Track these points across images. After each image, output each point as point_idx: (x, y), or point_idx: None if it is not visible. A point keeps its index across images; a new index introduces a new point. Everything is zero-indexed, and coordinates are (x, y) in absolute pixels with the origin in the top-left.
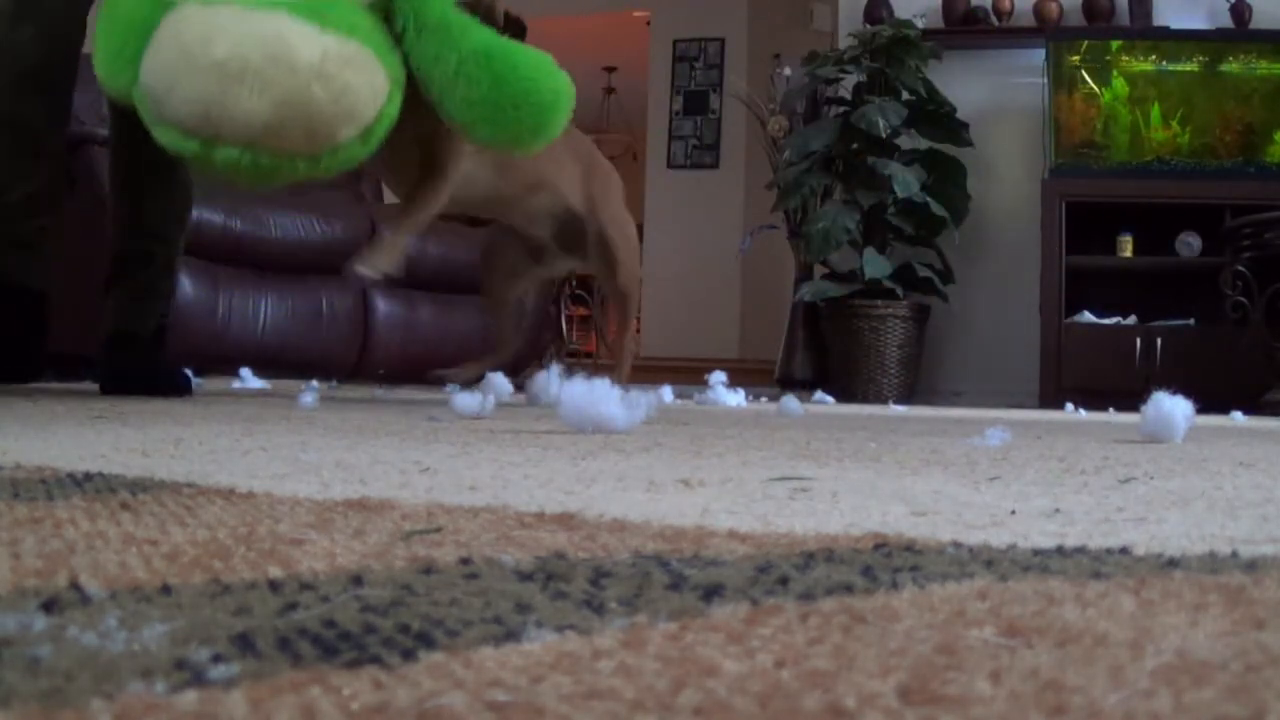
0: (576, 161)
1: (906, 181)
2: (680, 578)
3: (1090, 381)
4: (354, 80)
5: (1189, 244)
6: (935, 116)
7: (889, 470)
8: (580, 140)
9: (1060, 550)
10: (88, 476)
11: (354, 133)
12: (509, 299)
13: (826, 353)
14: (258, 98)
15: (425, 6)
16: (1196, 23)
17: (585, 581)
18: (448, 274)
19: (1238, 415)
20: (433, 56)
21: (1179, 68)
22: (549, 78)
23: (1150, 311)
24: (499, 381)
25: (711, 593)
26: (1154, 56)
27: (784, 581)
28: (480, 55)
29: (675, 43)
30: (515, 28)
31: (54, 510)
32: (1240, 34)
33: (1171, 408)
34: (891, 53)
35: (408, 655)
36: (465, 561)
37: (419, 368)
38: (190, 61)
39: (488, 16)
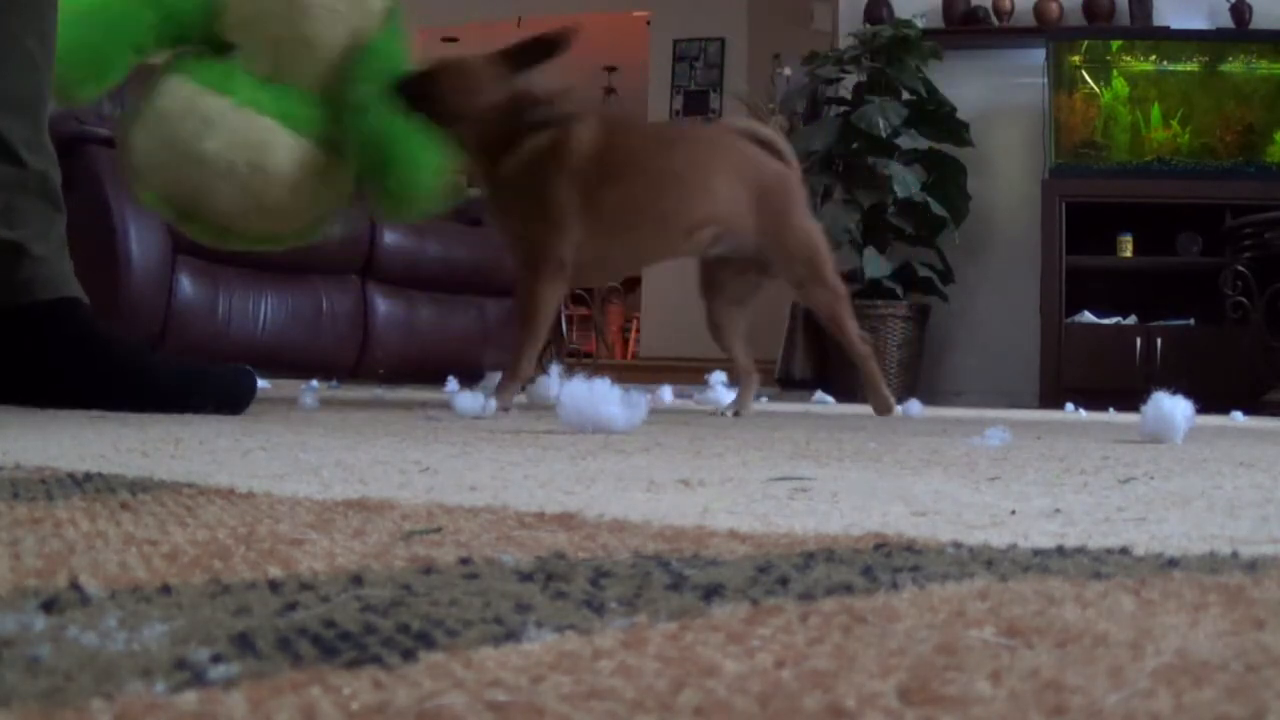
0: (744, 187)
1: (906, 181)
2: (680, 578)
3: (1090, 381)
4: (320, 187)
5: (1189, 244)
6: (935, 116)
7: (889, 470)
8: (748, 163)
9: (1060, 550)
10: (88, 476)
11: (316, 221)
12: (735, 323)
13: (826, 353)
14: (235, 195)
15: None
16: (1196, 23)
17: (585, 581)
18: (448, 274)
19: (1238, 415)
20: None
21: (1179, 68)
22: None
23: (1150, 311)
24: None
25: (711, 593)
26: (1154, 56)
27: (784, 581)
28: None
29: (675, 43)
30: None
31: (54, 510)
32: (1240, 34)
33: (1171, 408)
34: (891, 53)
35: (408, 655)
36: (465, 561)
37: (419, 368)
38: (177, 149)
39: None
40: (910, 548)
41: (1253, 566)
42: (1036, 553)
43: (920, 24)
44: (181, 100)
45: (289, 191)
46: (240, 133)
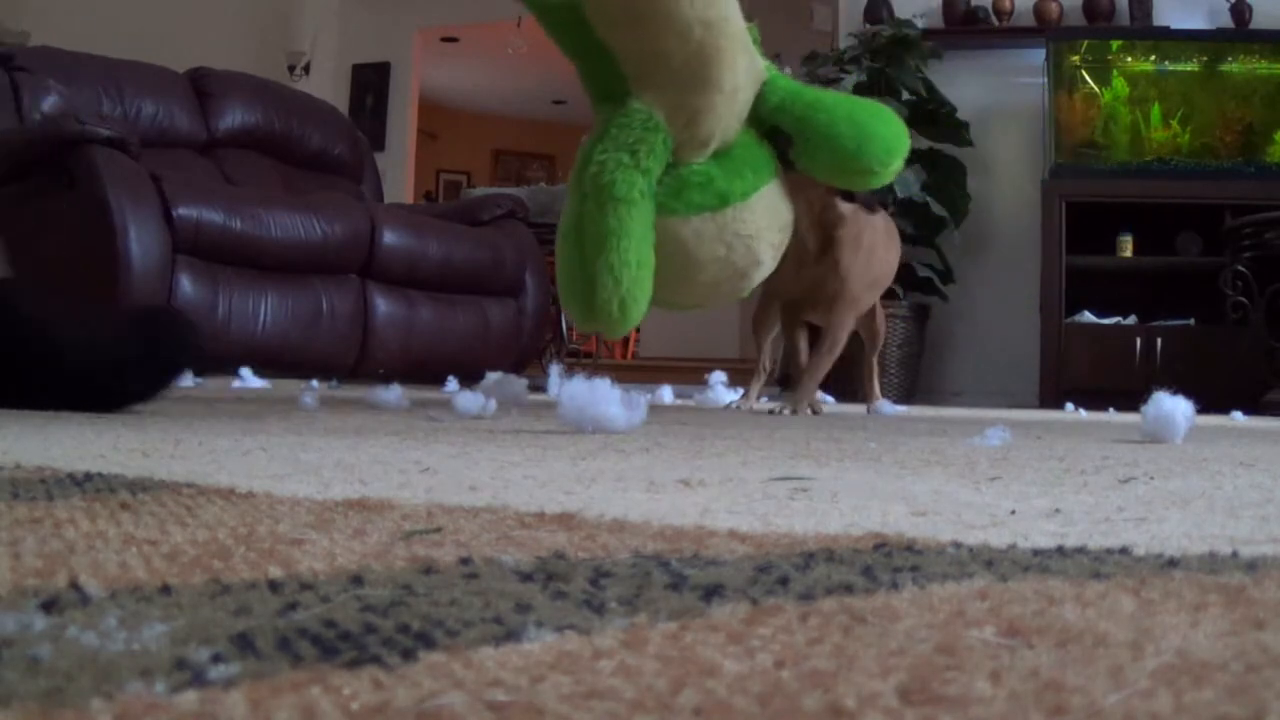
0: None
1: (906, 181)
2: (680, 578)
3: (1090, 381)
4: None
5: (1189, 244)
6: (935, 116)
7: (889, 470)
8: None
9: (1060, 550)
10: (88, 476)
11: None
12: (782, 333)
13: None
14: (730, 282)
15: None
16: (1196, 23)
17: (585, 581)
18: (448, 274)
19: (1238, 415)
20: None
21: (1179, 68)
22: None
23: (1150, 311)
24: (512, 382)
25: (711, 593)
26: (1154, 56)
27: (784, 581)
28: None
29: None
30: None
31: (54, 510)
32: (1240, 34)
33: (1171, 408)
34: (891, 53)
35: (408, 655)
36: (465, 561)
37: (419, 368)
38: (675, 281)
39: None
40: (910, 548)
41: (1253, 566)
42: (1036, 553)
43: (920, 24)
44: (662, 238)
45: (753, 279)
46: (727, 233)
